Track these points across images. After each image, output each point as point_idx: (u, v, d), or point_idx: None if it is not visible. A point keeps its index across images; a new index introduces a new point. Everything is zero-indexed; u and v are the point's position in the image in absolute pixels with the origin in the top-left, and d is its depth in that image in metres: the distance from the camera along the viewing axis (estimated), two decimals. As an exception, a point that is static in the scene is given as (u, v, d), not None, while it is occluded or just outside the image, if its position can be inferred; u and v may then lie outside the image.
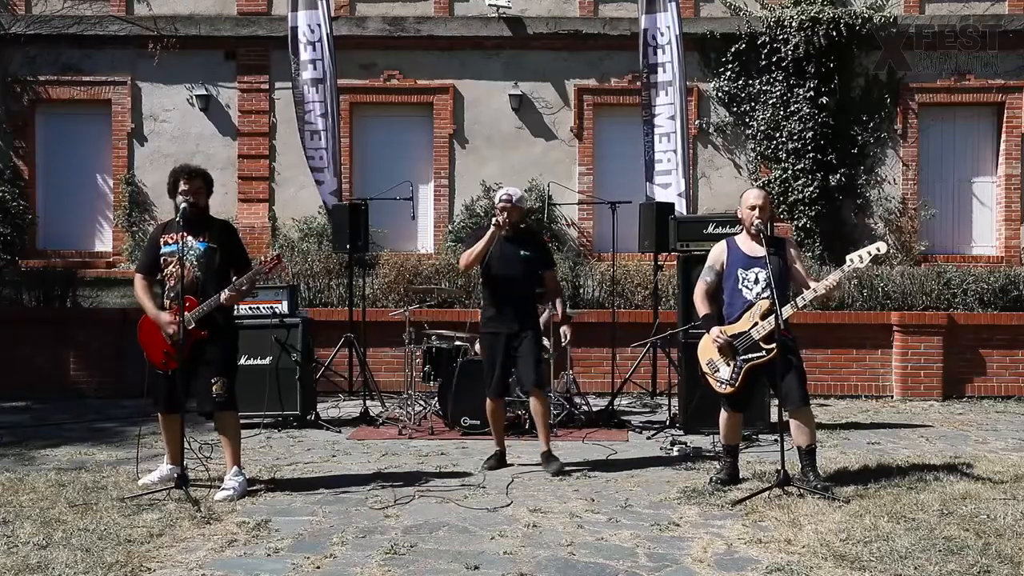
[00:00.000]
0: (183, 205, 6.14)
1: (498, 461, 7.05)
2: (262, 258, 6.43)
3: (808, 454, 6.24)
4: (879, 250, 6.18)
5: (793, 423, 6.22)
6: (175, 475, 6.07)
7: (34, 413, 9.62)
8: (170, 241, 6.20)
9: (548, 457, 6.92)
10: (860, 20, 14.70)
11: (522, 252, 6.84)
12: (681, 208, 10.84)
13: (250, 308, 8.71)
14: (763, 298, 6.15)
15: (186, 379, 6.14)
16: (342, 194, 12.69)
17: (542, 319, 8.98)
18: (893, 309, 10.85)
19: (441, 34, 15.29)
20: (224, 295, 6.06)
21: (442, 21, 15.39)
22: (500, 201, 6.83)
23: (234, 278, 6.20)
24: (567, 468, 6.88)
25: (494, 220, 6.74)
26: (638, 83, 12.80)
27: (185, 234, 6.15)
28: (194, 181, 6.21)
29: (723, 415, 6.44)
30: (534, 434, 8.12)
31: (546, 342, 8.68)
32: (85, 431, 8.59)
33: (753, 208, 6.24)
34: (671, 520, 5.59)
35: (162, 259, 6.23)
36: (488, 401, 7.01)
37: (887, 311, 10.80)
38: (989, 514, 5.54)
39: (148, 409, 6.53)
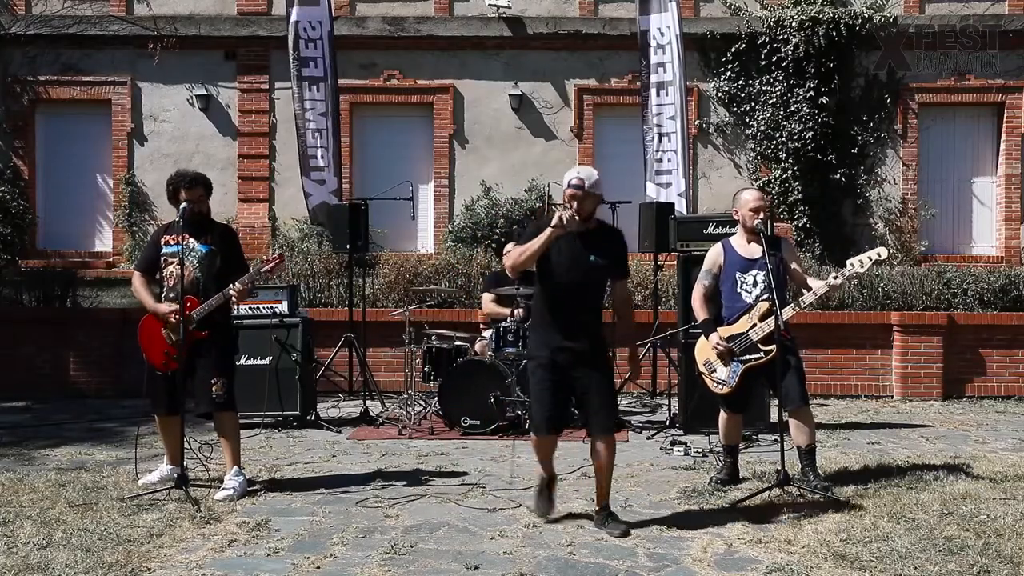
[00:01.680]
0: (183, 205, 6.15)
1: (549, 489, 5.71)
2: (263, 257, 6.43)
3: (808, 454, 6.24)
4: (880, 256, 6.18)
5: (793, 423, 6.22)
6: (175, 475, 6.08)
7: (34, 413, 9.62)
8: (172, 242, 6.21)
9: (609, 515, 5.50)
10: (860, 20, 14.70)
11: (593, 257, 5.27)
12: (681, 208, 10.87)
13: (250, 308, 8.71)
14: (763, 300, 6.14)
15: (185, 379, 6.14)
16: (342, 194, 12.69)
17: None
18: (893, 309, 10.85)
19: (441, 34, 15.29)
20: (235, 288, 6.05)
21: (442, 21, 15.39)
22: (569, 187, 5.25)
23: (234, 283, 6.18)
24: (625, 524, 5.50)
25: (558, 216, 5.16)
26: (638, 83, 12.82)
27: (187, 236, 6.15)
28: (195, 190, 6.21)
29: (723, 415, 6.44)
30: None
31: None
32: (85, 431, 8.59)
33: (755, 211, 6.22)
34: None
35: (162, 259, 6.24)
36: (535, 438, 5.52)
37: (887, 311, 10.80)
38: (989, 514, 5.54)
39: (147, 410, 6.53)
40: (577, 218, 5.20)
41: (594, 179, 5.30)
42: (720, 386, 6.31)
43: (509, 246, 9.26)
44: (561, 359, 5.29)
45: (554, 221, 5.15)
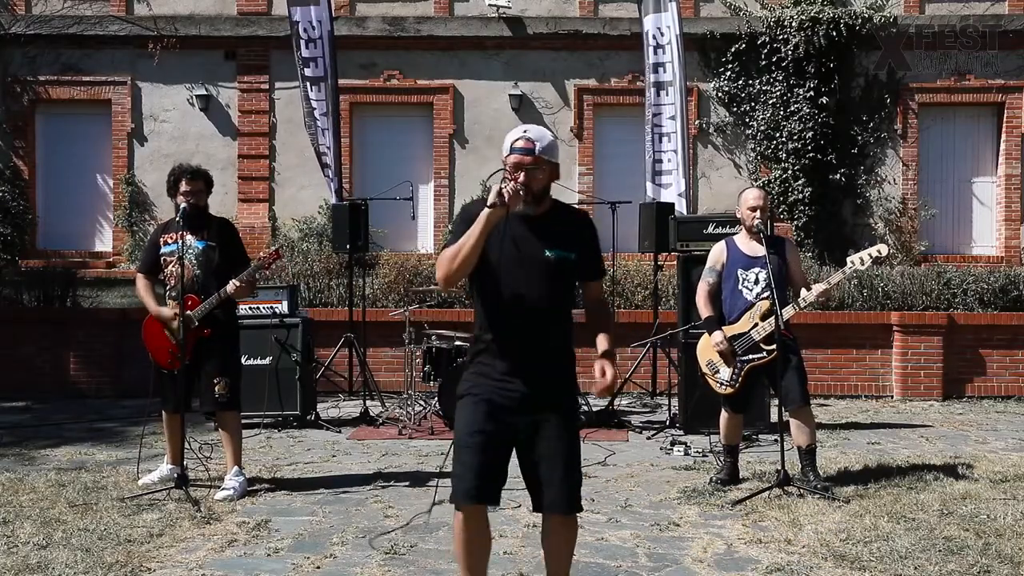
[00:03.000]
0: (183, 205, 6.14)
1: None
2: (261, 253, 6.43)
3: (808, 454, 6.24)
4: (880, 253, 6.20)
5: (793, 423, 6.22)
6: (175, 475, 6.08)
7: (34, 413, 9.62)
8: (170, 241, 6.22)
9: None
10: (860, 20, 14.70)
11: (549, 251, 3.71)
12: (681, 208, 10.84)
13: (250, 308, 8.70)
14: (763, 298, 6.15)
15: (189, 378, 6.15)
16: (342, 194, 12.69)
17: None
18: (893, 309, 10.85)
19: (441, 34, 15.29)
20: (230, 286, 6.05)
21: (442, 21, 15.39)
22: (512, 152, 3.68)
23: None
24: None
25: (495, 190, 3.58)
26: (638, 83, 12.82)
27: (185, 233, 6.14)
28: (196, 182, 6.22)
29: (723, 415, 6.45)
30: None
31: None
32: (85, 431, 8.58)
33: (754, 209, 6.25)
34: (671, 520, 5.59)
35: (162, 259, 6.24)
36: (456, 513, 3.69)
37: (887, 311, 10.80)
38: (989, 514, 5.54)
39: (152, 409, 6.53)
40: (523, 193, 3.63)
41: (551, 140, 3.75)
42: (723, 387, 6.32)
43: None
44: (503, 396, 3.68)
45: (490, 198, 3.58)
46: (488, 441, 3.63)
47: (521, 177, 3.64)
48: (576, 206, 4.22)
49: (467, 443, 3.64)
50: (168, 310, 6.12)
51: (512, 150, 3.68)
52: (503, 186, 3.60)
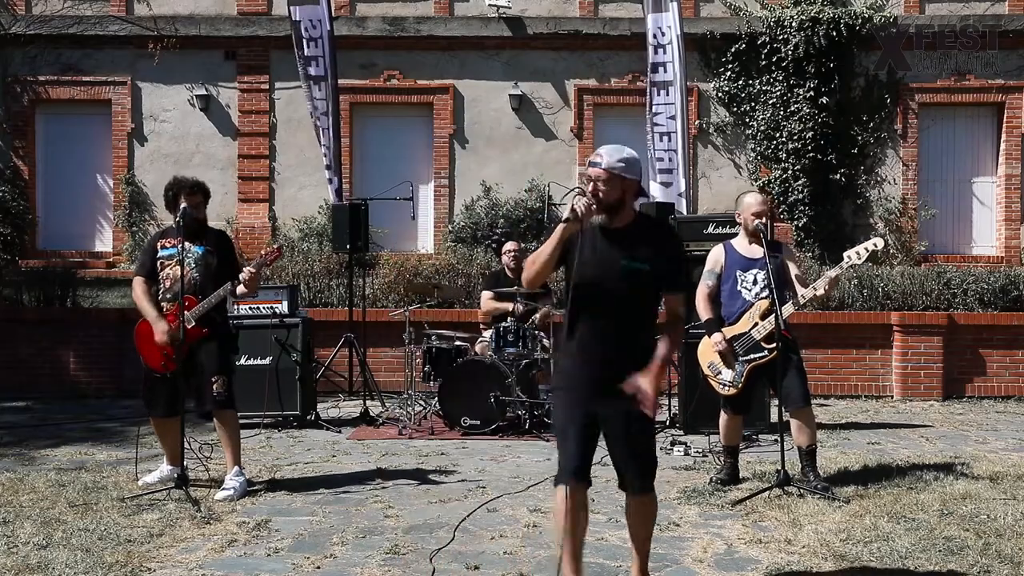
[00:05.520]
0: (184, 206, 6.14)
1: None
2: (263, 251, 6.45)
3: (808, 455, 6.24)
4: (876, 246, 6.22)
5: (794, 423, 6.22)
6: (175, 475, 6.08)
7: (34, 413, 9.62)
8: (168, 245, 6.24)
9: None
10: (860, 20, 14.70)
11: (625, 260, 3.98)
12: (681, 208, 10.84)
13: (250, 308, 8.71)
14: (762, 298, 6.16)
15: (184, 380, 6.14)
16: (343, 194, 12.69)
17: (538, 315, 8.93)
18: (893, 309, 10.85)
19: (441, 34, 15.29)
20: (244, 275, 6.07)
21: (442, 21, 15.39)
22: (589, 166, 4.03)
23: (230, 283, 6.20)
24: None
25: (571, 206, 3.96)
26: (638, 83, 12.83)
27: (183, 239, 6.15)
28: (194, 196, 6.25)
29: (723, 416, 6.45)
30: (535, 434, 8.14)
31: (546, 341, 8.68)
32: (85, 431, 8.59)
33: (758, 215, 6.25)
34: (671, 520, 5.58)
35: (159, 262, 6.26)
36: (557, 491, 4.10)
37: (887, 311, 10.81)
38: (989, 514, 5.54)
39: (145, 411, 6.53)
40: (595, 207, 3.94)
41: (623, 156, 3.98)
42: (726, 388, 6.32)
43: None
44: (585, 385, 4.04)
45: (566, 212, 3.95)
46: (580, 434, 4.01)
47: (590, 189, 3.97)
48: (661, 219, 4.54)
49: (563, 434, 4.08)
50: (165, 323, 6.12)
51: (589, 164, 4.04)
52: (577, 203, 3.93)
